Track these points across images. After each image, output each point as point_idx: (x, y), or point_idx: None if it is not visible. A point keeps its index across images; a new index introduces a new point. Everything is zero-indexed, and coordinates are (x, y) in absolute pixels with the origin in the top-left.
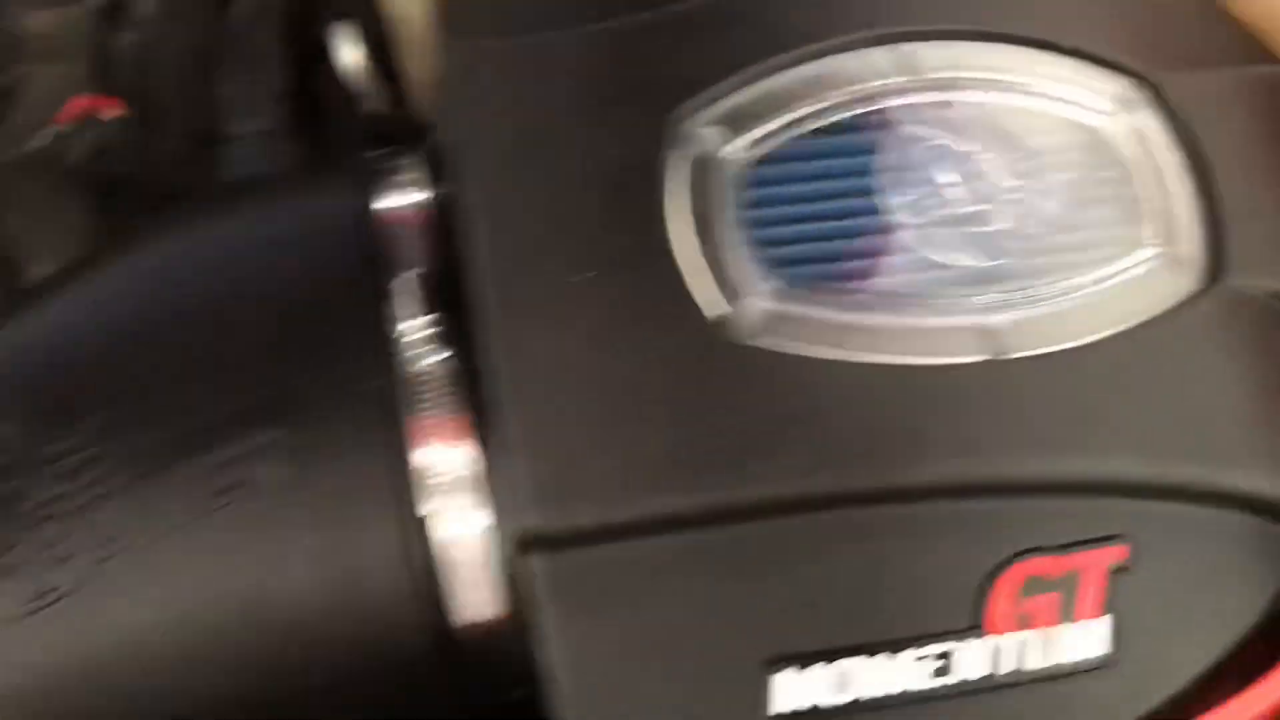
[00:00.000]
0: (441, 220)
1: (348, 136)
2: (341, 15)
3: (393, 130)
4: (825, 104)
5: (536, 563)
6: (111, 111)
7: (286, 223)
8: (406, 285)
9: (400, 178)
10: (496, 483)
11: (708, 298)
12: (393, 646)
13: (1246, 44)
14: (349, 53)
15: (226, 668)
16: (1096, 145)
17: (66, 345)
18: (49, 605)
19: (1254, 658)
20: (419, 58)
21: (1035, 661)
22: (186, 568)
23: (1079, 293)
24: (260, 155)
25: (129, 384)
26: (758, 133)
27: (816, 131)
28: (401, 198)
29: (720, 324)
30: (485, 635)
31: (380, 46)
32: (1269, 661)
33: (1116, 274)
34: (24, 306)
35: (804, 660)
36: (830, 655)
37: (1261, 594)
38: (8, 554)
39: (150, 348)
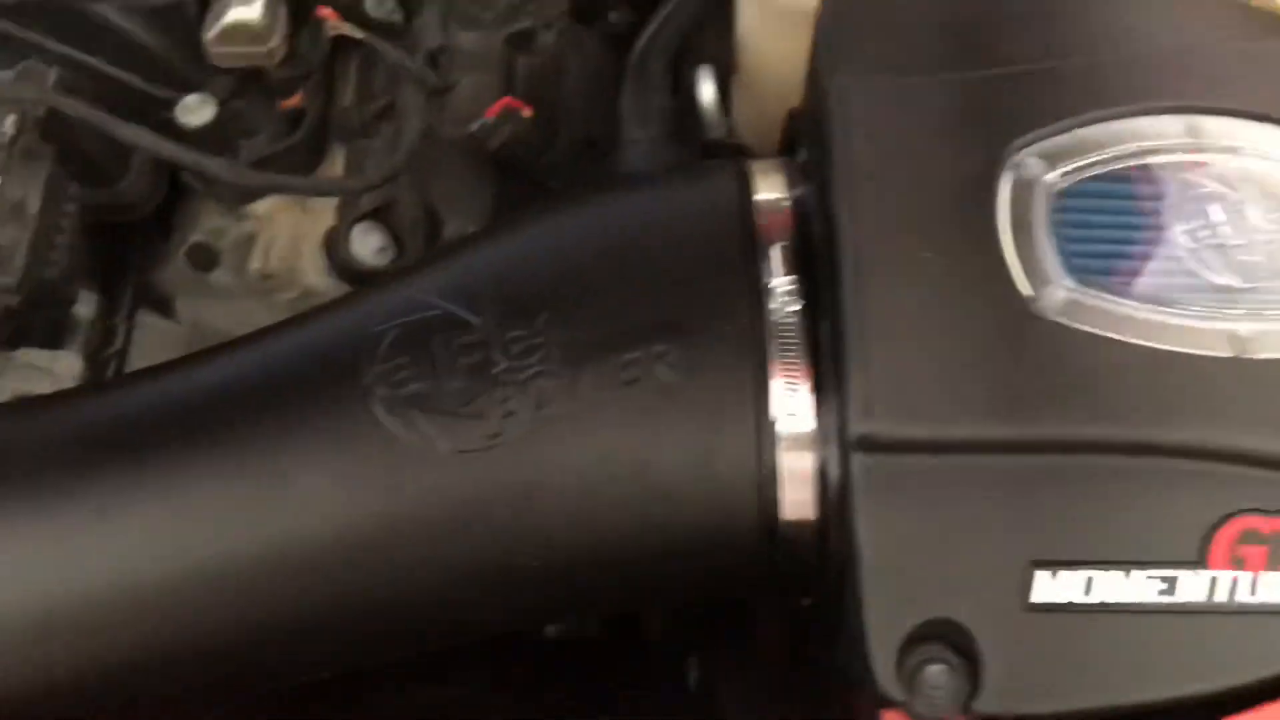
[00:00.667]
0: (800, 213)
1: (710, 149)
2: (707, 59)
3: (728, 152)
4: (1124, 151)
5: (857, 463)
6: (526, 112)
7: (684, 198)
8: (776, 253)
9: (770, 177)
10: (836, 404)
11: (1022, 283)
12: (731, 527)
13: None
14: (708, 90)
15: (614, 515)
16: None
17: (527, 264)
18: (498, 445)
19: None
20: (757, 101)
21: (1243, 596)
22: (595, 432)
23: None
24: (651, 156)
25: (569, 297)
26: (1072, 166)
27: (1116, 172)
28: (770, 193)
29: (1030, 303)
30: (801, 536)
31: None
32: None
33: None
34: (488, 236)
35: (1061, 565)
36: (1081, 565)
37: None
38: (474, 402)
39: (586, 273)
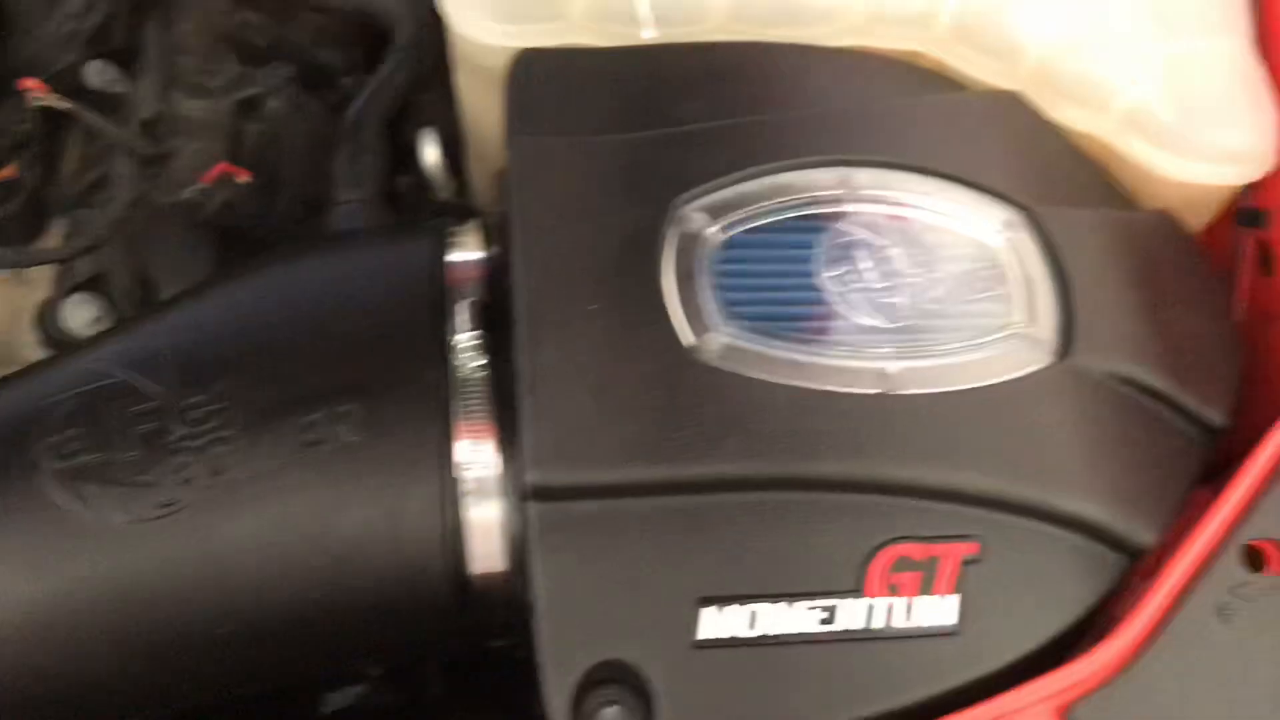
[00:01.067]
0: (491, 272)
1: (425, 210)
2: (428, 121)
3: (456, 216)
4: (782, 203)
5: (532, 511)
6: (243, 177)
7: (379, 258)
8: (462, 310)
9: (463, 238)
10: (513, 455)
11: (684, 330)
12: (421, 584)
13: (1110, 190)
14: (431, 151)
15: (293, 581)
16: (982, 253)
17: (209, 329)
18: (173, 514)
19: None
20: (484, 160)
21: (899, 622)
22: (274, 498)
23: (955, 355)
24: (360, 216)
25: (250, 360)
26: (731, 219)
27: (774, 223)
28: (463, 254)
29: (691, 350)
30: (490, 585)
31: (454, 150)
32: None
33: (986, 344)
34: (175, 303)
35: (725, 600)
36: (744, 599)
37: (1083, 597)
38: (148, 472)
39: (269, 336)
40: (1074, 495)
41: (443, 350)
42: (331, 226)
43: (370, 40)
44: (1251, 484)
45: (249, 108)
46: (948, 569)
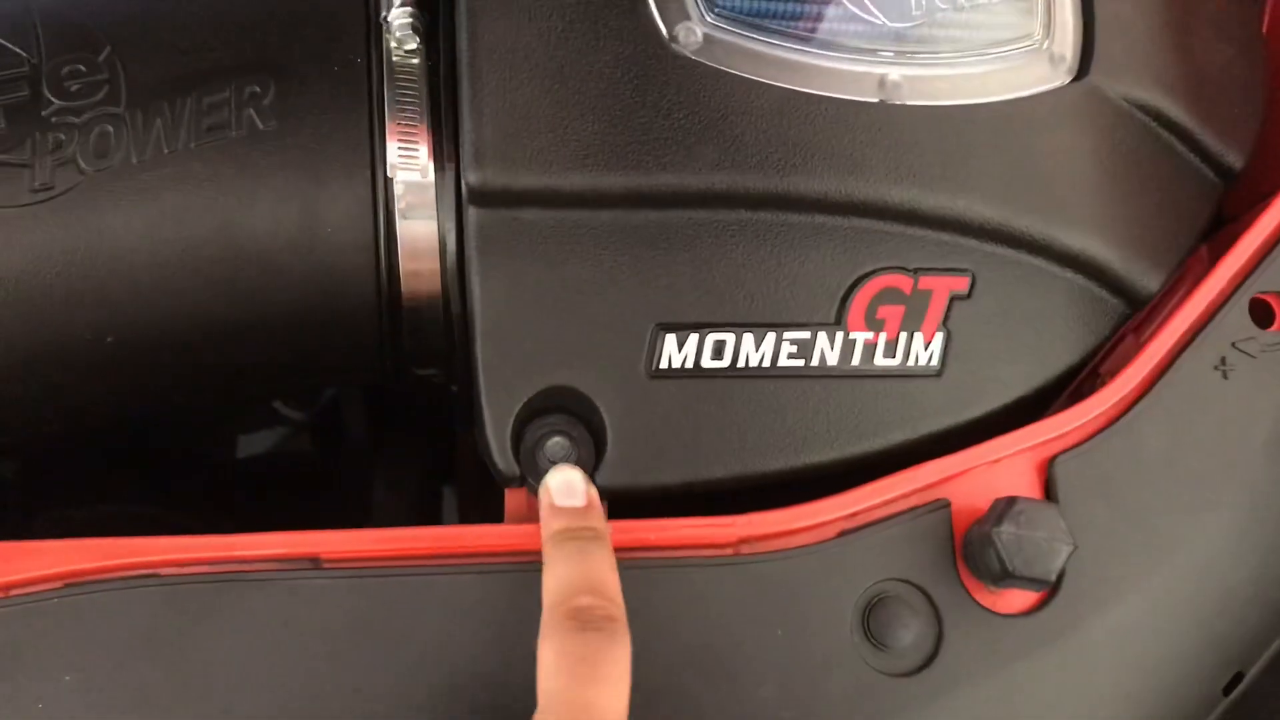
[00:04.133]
0: None
1: None
2: None
3: None
4: None
5: (471, 216)
6: None
7: None
8: None
9: None
10: (451, 155)
11: (659, 18)
12: (342, 294)
13: None
14: None
15: (195, 285)
16: None
17: None
18: (50, 199)
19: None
20: None
21: (880, 360)
22: (169, 189)
23: (966, 65)
24: None
25: (141, 25)
26: None
27: None
28: None
29: (666, 41)
30: (423, 300)
31: None
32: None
33: (1001, 56)
34: None
35: (689, 327)
36: (710, 327)
37: (1077, 344)
38: (18, 149)
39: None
40: (1079, 230)
41: (373, 27)
42: None
43: None
44: (1262, 236)
45: None
46: (936, 305)
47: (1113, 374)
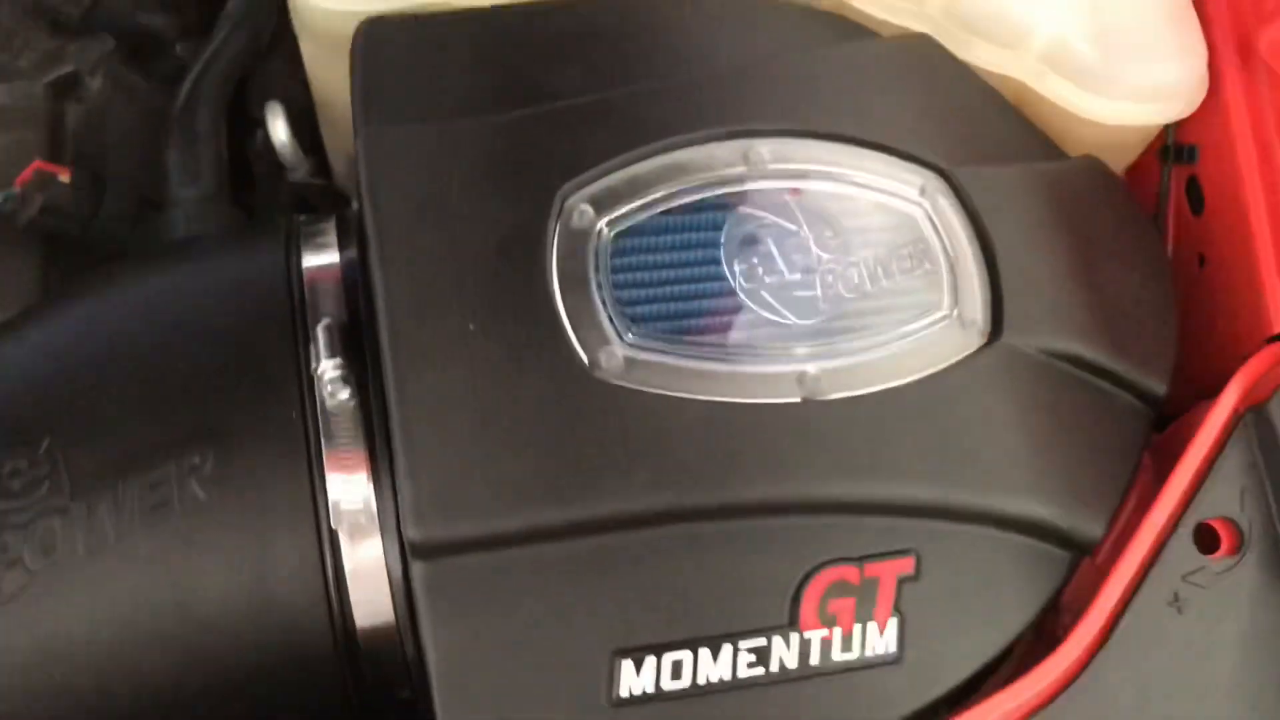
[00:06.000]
0: (354, 277)
1: (276, 201)
2: (275, 95)
3: (316, 197)
4: (678, 187)
5: (417, 570)
6: (63, 175)
7: (221, 276)
8: (323, 332)
9: (321, 240)
10: (391, 505)
11: (578, 345)
12: (302, 647)
13: (1032, 139)
14: (280, 128)
15: (154, 664)
16: (901, 226)
17: (23, 378)
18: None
19: (1022, 658)
20: (340, 135)
21: (838, 655)
22: (119, 575)
23: (881, 347)
24: (199, 218)
25: (77, 413)
26: (622, 210)
27: (670, 210)
28: (321, 257)
29: (588, 367)
30: (381, 639)
31: (308, 123)
32: (1033, 661)
33: (913, 332)
34: None
35: (644, 650)
36: (666, 648)
37: (1030, 603)
38: None
39: (97, 382)
40: (1016, 495)
41: (304, 379)
42: (168, 234)
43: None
44: (1198, 461)
45: (64, 89)
46: (885, 591)
47: (1072, 608)
